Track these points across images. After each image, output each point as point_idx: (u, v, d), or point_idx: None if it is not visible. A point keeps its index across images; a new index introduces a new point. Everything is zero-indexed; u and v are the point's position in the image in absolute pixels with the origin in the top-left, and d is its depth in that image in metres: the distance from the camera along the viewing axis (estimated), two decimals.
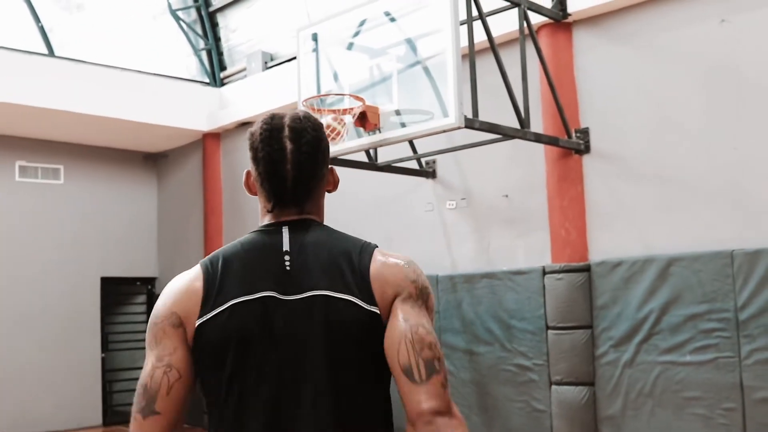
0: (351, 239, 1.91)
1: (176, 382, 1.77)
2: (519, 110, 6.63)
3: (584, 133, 7.35)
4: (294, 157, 1.84)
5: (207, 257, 1.91)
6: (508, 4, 6.86)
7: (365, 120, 6.69)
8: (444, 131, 6.31)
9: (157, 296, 11.52)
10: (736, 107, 6.52)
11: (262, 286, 1.79)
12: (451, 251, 8.42)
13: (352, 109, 6.57)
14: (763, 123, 6.35)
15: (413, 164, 8.47)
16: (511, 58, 6.80)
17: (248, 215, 10.87)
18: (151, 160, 12.40)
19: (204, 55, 11.79)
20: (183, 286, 1.85)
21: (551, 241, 7.48)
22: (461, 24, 6.25)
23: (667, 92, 6.92)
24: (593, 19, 7.35)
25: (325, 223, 1.98)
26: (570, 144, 7.22)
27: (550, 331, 7.33)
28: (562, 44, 7.49)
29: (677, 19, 6.85)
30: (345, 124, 6.38)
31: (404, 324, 1.78)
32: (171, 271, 12.01)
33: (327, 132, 5.90)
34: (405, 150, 8.17)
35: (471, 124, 6.19)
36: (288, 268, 1.82)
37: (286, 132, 1.85)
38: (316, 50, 7.53)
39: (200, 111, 11.23)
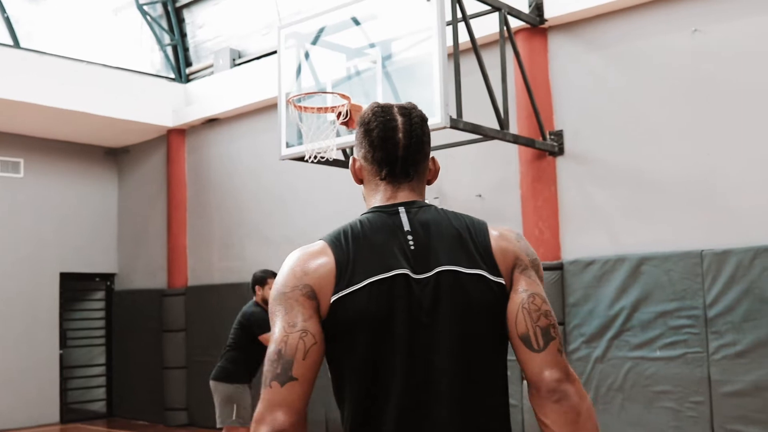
0: (462, 216, 1.99)
1: (312, 346, 1.77)
2: (499, 112, 6.81)
3: (558, 135, 7.57)
4: (405, 128, 1.94)
5: (329, 235, 1.92)
6: (488, 8, 7.04)
7: (349, 118, 6.79)
8: (431, 130, 6.42)
9: (115, 292, 11.44)
10: (707, 114, 6.81)
11: (394, 264, 1.83)
12: None
13: (336, 107, 6.65)
14: (732, 129, 6.64)
15: None
16: (486, 61, 6.93)
17: (214, 211, 10.88)
18: (113, 155, 12.28)
19: (169, 50, 11.71)
20: (314, 259, 1.85)
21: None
22: (448, 24, 6.40)
23: (639, 98, 7.19)
24: (568, 25, 7.59)
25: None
26: (545, 146, 7.43)
27: None
28: (537, 49, 7.70)
29: (651, 28, 7.12)
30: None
31: (522, 294, 1.88)
32: (131, 267, 11.93)
33: (341, 120, 6.04)
34: None
35: (456, 124, 6.34)
36: (412, 247, 1.87)
37: (396, 109, 1.97)
38: (296, 48, 7.59)
39: (165, 106, 11.17)
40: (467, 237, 1.91)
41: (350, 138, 6.86)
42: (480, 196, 8.12)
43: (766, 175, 6.46)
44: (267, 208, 10.17)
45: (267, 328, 6.80)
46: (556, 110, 7.65)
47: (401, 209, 1.94)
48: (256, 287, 7.06)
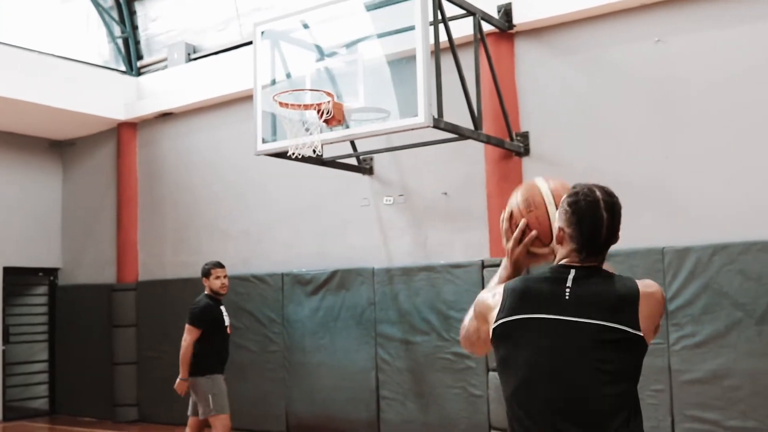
0: (621, 278, 2.46)
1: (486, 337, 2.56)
2: (474, 113, 7.07)
3: (524, 136, 7.89)
4: (608, 223, 2.45)
5: (518, 278, 2.57)
6: (463, 12, 7.29)
7: (331, 116, 6.94)
8: (412, 129, 6.65)
9: (59, 287, 11.24)
10: (667, 119, 7.23)
11: (542, 309, 2.40)
12: (388, 245, 8.77)
13: (319, 104, 6.79)
14: (690, 134, 7.08)
15: (351, 161, 8.76)
16: (454, 63, 7.12)
17: (168, 206, 10.83)
18: (57, 148, 12.04)
19: (120, 42, 11.57)
20: (499, 290, 2.53)
21: (490, 237, 7.97)
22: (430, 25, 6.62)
23: (602, 102, 7.56)
24: (535, 31, 7.91)
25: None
26: (512, 146, 7.73)
27: None
28: (504, 53, 8.00)
29: (615, 37, 7.51)
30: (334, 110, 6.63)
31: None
32: (77, 261, 11.75)
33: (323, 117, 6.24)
34: (345, 148, 8.44)
35: (437, 124, 6.57)
36: (567, 297, 2.41)
37: (602, 204, 2.45)
38: (271, 45, 7.67)
39: (115, 99, 11.04)
40: (616, 296, 2.42)
41: (329, 135, 7.01)
42: (446, 194, 8.37)
43: (723, 177, 6.91)
44: (225, 203, 10.18)
45: (196, 322, 6.90)
46: (522, 112, 7.96)
47: (572, 270, 2.46)
48: (203, 279, 7.25)
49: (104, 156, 11.54)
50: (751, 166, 6.80)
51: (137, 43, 11.58)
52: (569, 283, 2.41)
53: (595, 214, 2.42)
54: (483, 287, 7.79)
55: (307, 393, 9.05)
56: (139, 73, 11.51)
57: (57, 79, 10.40)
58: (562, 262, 2.49)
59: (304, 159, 8.03)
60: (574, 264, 2.45)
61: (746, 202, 6.78)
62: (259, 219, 9.88)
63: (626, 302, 2.36)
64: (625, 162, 7.38)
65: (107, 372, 10.82)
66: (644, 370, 2.47)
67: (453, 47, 6.90)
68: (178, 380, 7.02)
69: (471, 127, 7.10)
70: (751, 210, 6.75)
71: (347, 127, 6.91)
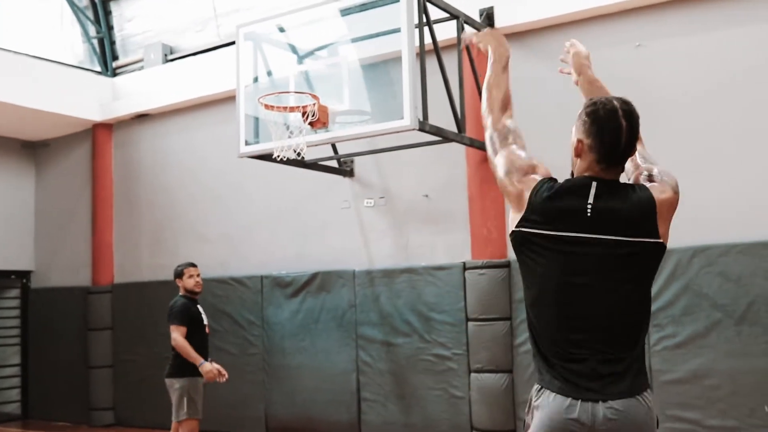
0: (637, 188, 2.53)
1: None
2: (457, 115, 7.12)
3: None
4: (627, 132, 2.49)
5: (543, 183, 2.59)
6: (446, 15, 7.33)
7: (316, 119, 6.94)
8: (397, 132, 6.67)
9: (32, 290, 11.09)
10: (648, 123, 7.26)
11: (564, 227, 2.46)
12: (369, 247, 8.78)
13: (305, 107, 6.79)
14: (671, 138, 7.17)
15: (332, 164, 8.76)
16: (436, 65, 7.15)
17: (144, 208, 10.74)
18: (30, 148, 11.88)
19: (96, 42, 11.45)
20: (526, 189, 2.58)
21: (472, 239, 8.02)
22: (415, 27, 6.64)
23: (582, 106, 7.62)
24: (517, 35, 7.96)
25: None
26: None
27: (470, 323, 7.86)
28: (485, 56, 8.01)
29: (596, 41, 7.55)
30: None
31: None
32: (50, 264, 11.60)
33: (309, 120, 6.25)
34: (327, 150, 8.44)
35: (423, 126, 6.60)
36: (588, 213, 2.45)
37: (621, 113, 2.50)
38: (253, 46, 7.64)
39: (90, 100, 10.91)
40: (637, 208, 2.50)
41: (315, 137, 7.01)
42: (427, 196, 8.40)
43: (702, 180, 7.01)
44: (203, 205, 10.12)
45: (179, 320, 6.88)
46: None
47: (593, 183, 2.51)
48: (177, 280, 7.30)
49: (79, 157, 11.40)
50: (732, 169, 6.92)
51: (113, 43, 11.47)
52: (591, 200, 2.46)
53: (614, 123, 2.47)
54: (464, 289, 7.88)
55: (287, 395, 9.03)
56: (114, 74, 11.40)
57: (30, 78, 10.25)
58: (584, 174, 2.54)
59: (286, 161, 8.04)
60: (596, 176, 2.50)
61: (726, 204, 6.90)
62: (237, 221, 9.84)
63: (644, 214, 2.45)
64: None
65: (82, 375, 10.70)
66: None
67: (437, 50, 6.94)
68: (205, 368, 6.77)
69: (454, 129, 7.14)
70: (731, 212, 6.87)
71: (329, 129, 6.91)
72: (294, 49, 7.62)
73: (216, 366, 6.90)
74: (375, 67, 7.28)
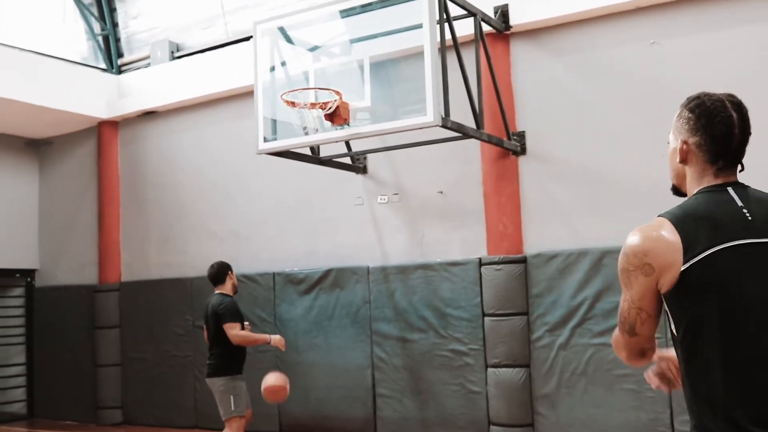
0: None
1: (647, 318, 2.19)
2: (476, 112, 7.16)
3: (521, 136, 8.01)
4: (740, 124, 2.20)
5: (670, 213, 2.18)
6: (464, 12, 7.38)
7: (335, 114, 6.97)
8: (420, 128, 6.71)
9: (37, 289, 11.03)
10: (661, 119, 7.35)
11: (735, 235, 2.09)
12: (383, 243, 8.81)
13: (326, 103, 6.82)
14: None
15: (345, 160, 8.78)
16: (454, 62, 7.17)
17: (151, 206, 10.72)
18: (34, 146, 11.82)
19: (100, 39, 11.41)
20: (656, 237, 2.13)
21: (487, 234, 8.07)
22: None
23: (598, 103, 7.71)
24: (531, 32, 8.03)
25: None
26: (510, 146, 7.84)
27: (486, 318, 7.91)
28: (500, 53, 8.11)
29: (610, 38, 7.66)
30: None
31: None
32: (55, 262, 11.55)
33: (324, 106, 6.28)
34: (340, 147, 8.47)
35: (445, 123, 6.63)
36: (750, 218, 2.12)
37: (729, 105, 2.21)
38: (269, 43, 7.65)
39: (95, 97, 10.87)
40: None
41: (338, 134, 7.04)
42: (441, 192, 8.45)
43: None
44: (212, 202, 10.12)
45: (233, 318, 6.95)
46: (518, 112, 8.08)
47: (730, 188, 2.20)
48: (224, 278, 7.39)
49: (84, 155, 11.36)
50: (747, 168, 6.99)
51: (117, 40, 11.44)
52: (740, 202, 2.15)
53: (724, 113, 2.18)
54: (480, 285, 7.92)
55: (301, 392, 9.03)
56: (119, 71, 11.36)
57: (35, 75, 10.20)
58: (706, 184, 2.22)
59: (302, 158, 8.07)
60: (723, 181, 2.20)
61: None
62: (247, 218, 9.84)
63: None
64: (620, 161, 7.53)
65: (90, 374, 10.67)
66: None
67: (457, 47, 6.98)
68: (275, 339, 7.26)
69: (472, 125, 7.19)
70: None
71: (348, 126, 6.94)
72: (310, 46, 7.64)
73: (277, 337, 7.36)
74: (393, 64, 7.31)
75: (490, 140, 7.49)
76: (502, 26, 7.96)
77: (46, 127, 11.24)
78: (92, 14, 11.36)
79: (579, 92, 7.83)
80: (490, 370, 7.88)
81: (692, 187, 2.28)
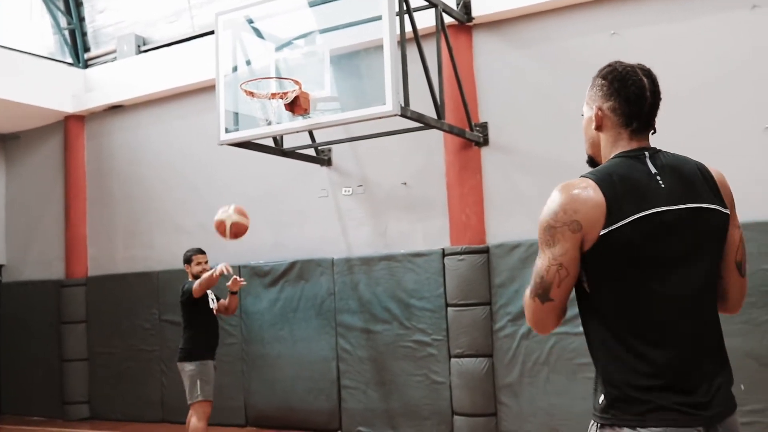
0: (689, 159, 2.32)
1: (566, 278, 2.17)
2: (437, 102, 7.19)
3: (483, 127, 8.04)
4: (650, 87, 2.27)
5: (593, 174, 2.21)
6: (425, 3, 7.40)
7: (295, 104, 6.97)
8: (380, 118, 6.72)
9: (4, 284, 10.94)
10: None
11: (654, 202, 2.15)
12: (347, 235, 8.82)
13: (286, 92, 6.82)
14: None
15: (309, 152, 8.78)
16: (415, 53, 7.18)
17: (118, 200, 10.67)
18: (1, 141, 11.73)
19: (67, 33, 11.34)
20: (585, 197, 2.14)
21: (450, 225, 8.10)
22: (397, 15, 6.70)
23: (559, 93, 7.74)
24: (493, 24, 8.07)
25: None
26: (472, 137, 7.87)
27: (450, 309, 7.94)
28: (462, 44, 8.14)
29: (571, 29, 7.71)
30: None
31: (739, 229, 2.33)
32: (22, 257, 11.47)
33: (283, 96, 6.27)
34: (304, 138, 8.47)
35: (404, 112, 6.65)
36: (662, 185, 2.19)
37: (640, 71, 2.29)
38: (231, 35, 7.64)
39: (61, 91, 10.80)
40: (701, 177, 2.27)
41: (297, 124, 7.04)
42: (405, 183, 8.47)
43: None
44: (179, 196, 10.08)
45: (191, 290, 6.92)
46: (480, 103, 8.11)
47: (645, 153, 2.26)
48: (185, 266, 7.38)
49: (50, 149, 11.29)
50: (713, 162, 7.05)
51: (84, 34, 11.37)
52: (653, 169, 2.21)
53: (635, 76, 2.25)
54: (444, 275, 7.95)
55: (266, 385, 9.04)
56: (86, 66, 11.30)
57: (0, 69, 10.13)
58: (620, 149, 2.27)
59: (264, 149, 8.07)
60: (637, 146, 2.26)
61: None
62: (213, 211, 9.71)
63: (709, 180, 2.25)
64: (582, 151, 7.55)
65: (56, 369, 10.60)
66: None
67: (417, 38, 7.00)
68: (217, 271, 6.78)
69: (434, 116, 7.21)
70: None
71: (310, 116, 6.94)
72: (273, 38, 7.63)
73: (221, 266, 6.90)
74: (355, 56, 7.31)
75: (451, 130, 7.51)
76: (464, 17, 7.99)
77: (13, 121, 11.16)
78: (58, 8, 11.28)
79: (542, 83, 7.87)
80: (453, 360, 7.91)
81: (608, 152, 2.32)
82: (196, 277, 7.22)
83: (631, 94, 2.25)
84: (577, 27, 7.68)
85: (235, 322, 9.27)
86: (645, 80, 2.27)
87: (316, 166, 8.94)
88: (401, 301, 8.25)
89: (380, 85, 6.65)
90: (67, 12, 11.34)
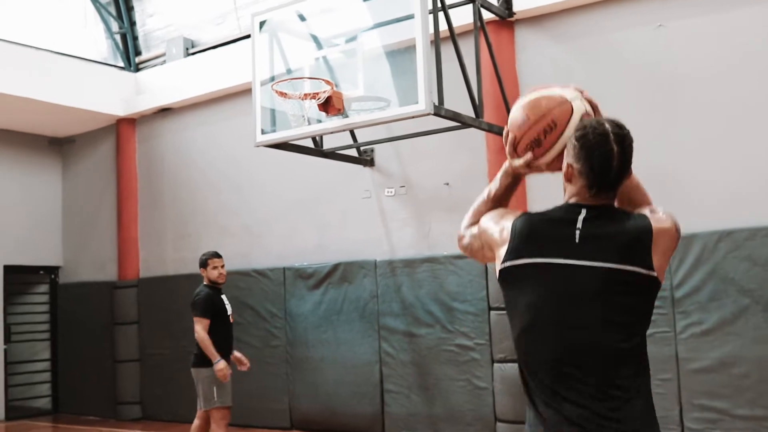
0: (633, 215, 2.35)
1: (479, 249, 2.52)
2: (475, 101, 6.99)
3: None
4: (619, 157, 2.31)
5: (526, 214, 2.39)
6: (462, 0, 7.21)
7: (329, 104, 6.87)
8: (413, 117, 6.57)
9: (60, 285, 11.16)
10: (669, 105, 7.14)
11: (553, 253, 2.28)
12: (390, 237, 8.69)
13: (317, 93, 6.71)
14: (692, 119, 7.00)
15: (352, 153, 8.68)
16: (452, 50, 7.03)
17: (167, 202, 10.76)
18: (57, 145, 11.97)
19: (118, 38, 11.50)
20: (509, 227, 2.37)
21: None
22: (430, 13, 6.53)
23: (603, 90, 7.38)
24: (535, 19, 7.83)
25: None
26: None
27: (492, 312, 7.73)
28: (504, 41, 7.92)
29: (615, 23, 7.42)
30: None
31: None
32: (77, 259, 11.69)
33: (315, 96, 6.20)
34: (345, 138, 8.37)
35: (438, 111, 6.48)
36: (576, 241, 2.28)
37: (612, 137, 2.31)
38: (269, 36, 7.59)
39: (114, 95, 10.97)
40: (630, 235, 2.29)
41: (330, 124, 6.93)
42: (448, 184, 8.29)
43: (726, 162, 6.83)
44: (224, 198, 10.11)
45: (201, 312, 6.79)
46: None
47: (583, 210, 2.33)
48: (201, 270, 7.20)
49: (104, 152, 11.47)
50: (756, 150, 6.72)
51: (135, 38, 11.51)
52: (579, 225, 2.30)
53: (604, 147, 2.30)
54: (486, 279, 7.75)
55: (310, 387, 8.98)
56: (137, 69, 11.44)
57: (56, 75, 10.33)
58: (573, 200, 2.37)
59: (305, 150, 7.99)
60: (585, 203, 2.34)
61: (751, 187, 6.70)
62: (258, 213, 9.81)
63: (639, 241, 2.26)
64: None
65: (109, 370, 10.76)
66: (651, 360, 2.33)
67: (453, 35, 6.82)
68: (218, 366, 6.67)
69: (472, 115, 7.02)
70: (756, 195, 6.67)
71: (347, 116, 6.83)
72: (309, 38, 7.54)
73: (238, 355, 7.00)
74: (392, 55, 7.16)
75: (490, 129, 7.30)
76: (505, 13, 7.77)
77: (68, 125, 11.38)
78: (110, 14, 11.44)
79: (585, 79, 7.57)
80: (496, 365, 7.71)
81: (566, 198, 2.43)
82: (211, 281, 7.04)
83: (596, 165, 2.31)
84: (621, 20, 7.39)
85: (280, 324, 9.24)
86: (615, 149, 2.30)
87: (359, 167, 8.83)
88: (444, 304, 8.09)
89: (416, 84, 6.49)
90: (119, 16, 11.50)
